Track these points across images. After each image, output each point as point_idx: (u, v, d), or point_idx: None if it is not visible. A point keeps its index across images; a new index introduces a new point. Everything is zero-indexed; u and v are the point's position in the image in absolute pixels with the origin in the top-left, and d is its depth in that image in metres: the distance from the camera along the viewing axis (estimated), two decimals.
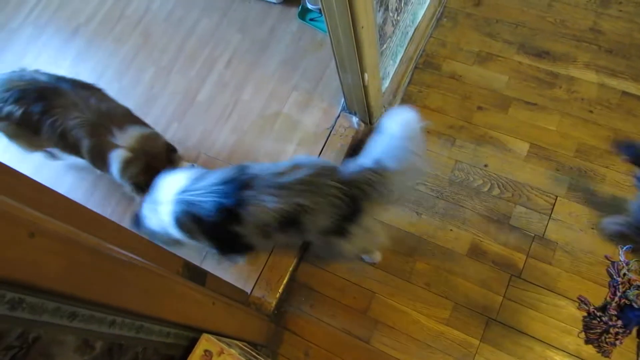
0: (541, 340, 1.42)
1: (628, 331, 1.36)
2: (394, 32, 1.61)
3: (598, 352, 1.38)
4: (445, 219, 1.61)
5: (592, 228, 1.52)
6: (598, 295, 1.44)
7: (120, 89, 2.03)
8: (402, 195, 1.38)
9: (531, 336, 1.43)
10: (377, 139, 1.23)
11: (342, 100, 1.77)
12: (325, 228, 1.22)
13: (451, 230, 1.59)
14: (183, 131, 1.92)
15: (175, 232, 1.28)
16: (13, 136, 1.56)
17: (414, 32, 1.85)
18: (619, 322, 1.35)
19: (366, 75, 1.43)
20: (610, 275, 1.44)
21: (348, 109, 1.77)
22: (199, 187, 1.22)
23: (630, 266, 1.42)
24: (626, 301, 1.38)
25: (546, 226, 1.54)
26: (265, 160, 1.80)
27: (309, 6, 1.99)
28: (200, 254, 1.66)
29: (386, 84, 1.77)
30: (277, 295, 1.59)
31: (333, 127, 1.79)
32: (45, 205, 0.74)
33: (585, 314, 1.42)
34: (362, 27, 1.22)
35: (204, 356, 0.96)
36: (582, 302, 1.43)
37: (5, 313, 0.54)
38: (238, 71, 2.00)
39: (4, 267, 0.52)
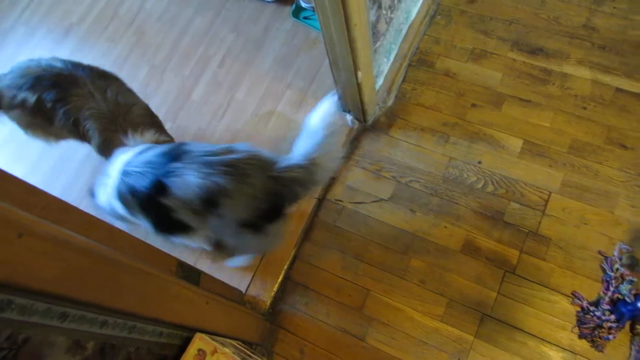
0: (535, 336, 1.43)
1: (621, 325, 1.37)
2: (387, 29, 1.61)
3: (592, 346, 1.39)
4: (439, 216, 1.62)
5: (585, 224, 1.53)
6: (591, 290, 1.45)
7: None
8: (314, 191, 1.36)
9: (525, 331, 1.43)
10: (303, 134, 1.23)
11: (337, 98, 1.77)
12: (243, 219, 1.20)
13: (445, 227, 1.60)
14: (177, 130, 1.91)
15: (118, 206, 1.27)
16: (28, 126, 1.51)
17: (407, 30, 1.85)
18: (612, 317, 1.36)
19: (360, 73, 1.43)
20: (604, 270, 1.45)
21: (342, 107, 1.77)
22: (139, 160, 1.21)
23: (623, 261, 1.43)
24: (619, 296, 1.39)
25: (540, 222, 1.55)
26: None
27: (303, 4, 1.99)
28: (194, 254, 1.66)
29: (380, 81, 1.77)
30: (272, 293, 1.59)
31: None
32: (36, 207, 0.74)
33: (579, 309, 1.43)
34: (355, 25, 1.22)
35: (198, 355, 0.96)
36: (575, 297, 1.44)
37: None
38: (232, 70, 2.00)
39: None
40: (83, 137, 1.44)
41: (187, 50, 2.08)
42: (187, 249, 1.64)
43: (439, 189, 1.65)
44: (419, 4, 1.86)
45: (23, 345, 0.58)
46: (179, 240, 1.51)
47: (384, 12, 1.50)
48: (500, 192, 1.61)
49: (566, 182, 1.59)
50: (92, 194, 1.36)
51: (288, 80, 1.92)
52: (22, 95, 1.39)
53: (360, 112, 1.70)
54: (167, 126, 1.93)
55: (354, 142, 1.78)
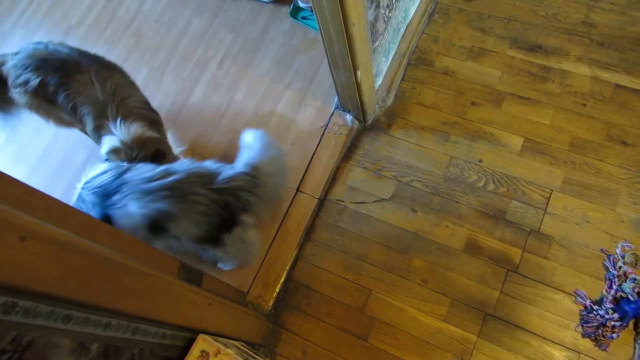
0: (538, 335, 1.42)
1: (625, 324, 1.36)
2: (385, 28, 1.61)
3: (595, 345, 1.38)
4: (440, 215, 1.61)
5: (587, 222, 1.52)
6: (594, 288, 1.45)
7: None
8: (274, 199, 1.39)
9: (528, 331, 1.43)
10: (243, 149, 1.29)
11: (336, 98, 1.77)
12: (197, 236, 1.20)
13: (447, 226, 1.60)
14: (177, 132, 1.91)
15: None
16: (30, 105, 1.55)
17: (406, 29, 1.85)
18: (616, 315, 1.36)
19: (359, 73, 1.43)
20: (607, 269, 1.45)
21: (342, 107, 1.77)
22: (93, 184, 1.21)
23: (625, 259, 1.43)
24: (622, 294, 1.38)
25: (541, 220, 1.55)
26: None
27: (301, 4, 1.99)
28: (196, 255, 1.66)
29: (379, 81, 1.77)
30: (274, 294, 1.59)
31: (327, 125, 1.79)
32: (38, 209, 0.73)
33: (582, 308, 1.43)
34: (354, 25, 1.22)
35: (201, 357, 0.96)
36: (578, 295, 1.44)
37: None
38: (231, 71, 1.99)
39: None
40: (80, 122, 1.48)
41: (185, 52, 2.08)
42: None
43: (440, 188, 1.65)
44: (417, 3, 1.87)
45: (27, 347, 0.58)
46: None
47: (382, 11, 1.50)
48: (501, 191, 1.61)
49: (567, 180, 1.59)
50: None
51: (287, 81, 1.92)
52: (26, 75, 1.45)
53: (360, 112, 1.70)
54: (167, 127, 1.94)
55: (354, 141, 1.78)
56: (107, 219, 1.17)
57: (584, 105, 1.68)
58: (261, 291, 1.59)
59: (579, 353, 1.39)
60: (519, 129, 1.68)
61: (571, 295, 1.45)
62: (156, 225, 1.16)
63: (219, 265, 1.61)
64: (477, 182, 1.64)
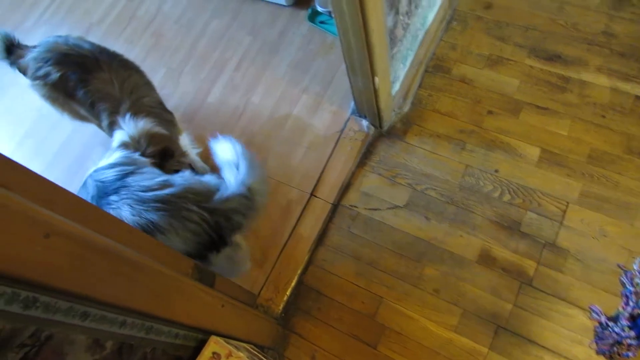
0: (551, 350, 1.40)
1: None
2: (404, 35, 1.61)
3: None
4: (454, 225, 1.60)
5: (605, 236, 1.50)
6: (610, 305, 1.42)
7: None
8: (258, 216, 1.37)
9: (541, 345, 1.41)
10: (226, 165, 1.27)
11: (352, 103, 1.77)
12: (185, 252, 1.19)
13: (461, 236, 1.58)
14: (193, 133, 1.92)
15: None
16: (48, 97, 1.58)
17: (424, 36, 1.85)
18: (632, 333, 1.33)
19: (377, 79, 1.42)
20: (623, 285, 1.42)
21: (358, 112, 1.77)
22: (97, 177, 1.22)
23: None
24: (639, 311, 1.36)
25: (557, 233, 1.53)
26: (274, 162, 1.80)
27: (319, 9, 1.99)
28: None
29: (396, 87, 1.77)
30: (285, 298, 1.59)
31: (343, 131, 1.79)
32: (58, 205, 0.74)
33: (597, 324, 1.40)
34: (373, 31, 1.22)
35: (212, 358, 0.96)
36: (593, 311, 1.41)
37: (19, 312, 0.54)
38: (248, 73, 2.00)
39: (19, 267, 0.53)
40: (97, 118, 1.51)
41: (203, 53, 2.10)
42: None
43: (455, 197, 1.64)
44: (435, 10, 1.86)
45: (46, 342, 0.59)
46: None
47: (401, 17, 1.50)
48: (517, 202, 1.59)
49: (585, 193, 1.56)
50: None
51: (304, 85, 1.92)
52: (46, 68, 1.47)
53: (376, 118, 1.70)
54: (183, 127, 1.95)
55: (370, 147, 1.78)
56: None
57: (603, 116, 1.66)
58: (272, 294, 1.59)
59: None
60: (536, 140, 1.67)
61: (586, 310, 1.43)
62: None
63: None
64: (493, 192, 1.62)
